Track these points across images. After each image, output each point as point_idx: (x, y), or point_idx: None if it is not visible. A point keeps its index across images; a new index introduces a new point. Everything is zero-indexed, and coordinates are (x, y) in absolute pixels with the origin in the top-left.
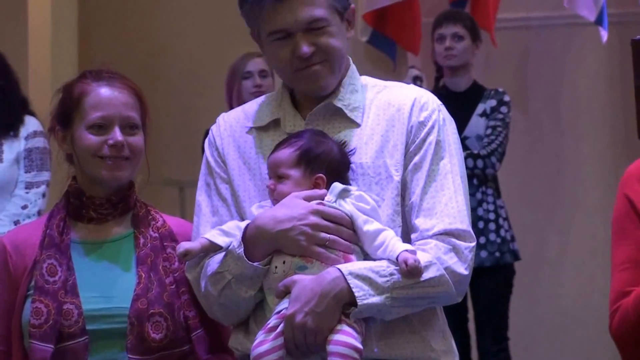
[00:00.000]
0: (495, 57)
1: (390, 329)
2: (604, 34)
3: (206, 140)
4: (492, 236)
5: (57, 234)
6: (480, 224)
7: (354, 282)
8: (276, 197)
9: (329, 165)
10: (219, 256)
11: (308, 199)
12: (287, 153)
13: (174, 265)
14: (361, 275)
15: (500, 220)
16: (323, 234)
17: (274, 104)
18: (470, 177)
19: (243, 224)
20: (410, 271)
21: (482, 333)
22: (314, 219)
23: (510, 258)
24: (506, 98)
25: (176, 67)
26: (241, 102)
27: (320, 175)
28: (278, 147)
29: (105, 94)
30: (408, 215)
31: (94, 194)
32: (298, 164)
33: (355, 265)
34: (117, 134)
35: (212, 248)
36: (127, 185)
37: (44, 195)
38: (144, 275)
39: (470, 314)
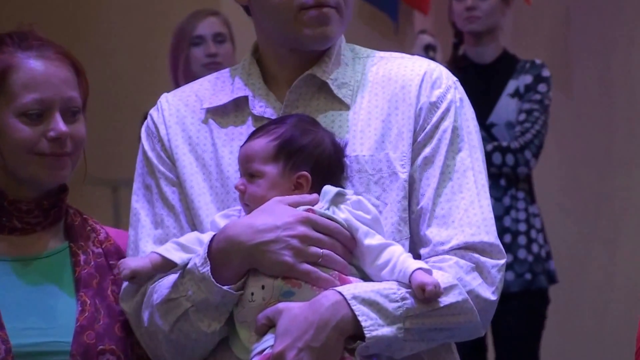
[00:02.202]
0: (530, 21)
1: None
2: None
3: (143, 130)
4: (522, 253)
5: None
6: (507, 238)
7: (359, 309)
8: (247, 202)
9: (318, 162)
10: (171, 278)
11: (294, 205)
12: (262, 143)
13: None
14: (368, 299)
15: (533, 233)
16: (315, 249)
17: (237, 80)
18: (496, 177)
19: (206, 236)
20: (429, 298)
21: None
22: (303, 230)
23: (544, 281)
24: (545, 73)
25: (103, 28)
26: (190, 76)
27: (303, 173)
28: (252, 136)
29: (39, 70)
30: (416, 223)
31: (19, 198)
32: (276, 158)
33: (359, 287)
34: (60, 124)
35: (165, 266)
36: (59, 186)
37: None
38: (88, 302)
39: (490, 354)
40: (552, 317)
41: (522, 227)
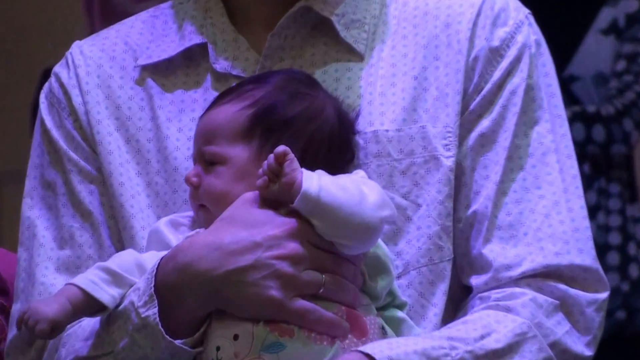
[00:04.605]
0: None
1: None
2: None
3: (43, 97)
4: (614, 279)
5: None
6: None
7: None
8: (202, 201)
9: (312, 141)
10: (88, 324)
11: (273, 204)
12: (229, 113)
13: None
14: None
15: (632, 248)
16: (313, 274)
17: (188, 19)
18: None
19: (150, 259)
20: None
21: None
22: (294, 247)
23: None
24: None
25: None
26: (112, 14)
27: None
28: (216, 102)
29: None
30: (467, 237)
31: None
32: (248, 134)
33: (397, 346)
34: None
35: (88, 308)
36: None
37: None
38: None
39: None
40: None
41: (615, 238)
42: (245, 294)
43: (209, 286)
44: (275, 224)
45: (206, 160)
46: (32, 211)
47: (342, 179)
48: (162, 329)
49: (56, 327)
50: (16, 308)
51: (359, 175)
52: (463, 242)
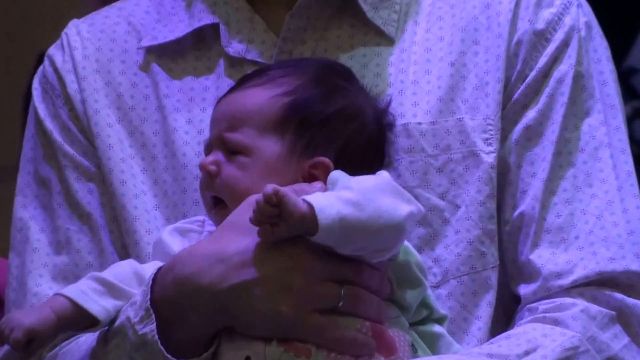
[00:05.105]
0: None
1: None
2: None
3: (36, 83)
4: None
5: None
6: None
7: None
8: (219, 192)
9: (348, 144)
10: (84, 342)
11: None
12: (261, 98)
13: None
14: None
15: None
16: (329, 286)
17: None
18: (636, 162)
19: (150, 269)
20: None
21: None
22: (305, 256)
23: None
24: None
25: None
26: None
27: (322, 159)
28: (243, 83)
29: None
30: (513, 241)
31: None
32: (282, 126)
33: None
34: None
35: (79, 322)
36: None
37: None
38: None
39: None
40: None
41: None
42: (254, 310)
43: (213, 302)
44: None
45: (229, 148)
46: (25, 211)
47: (349, 189)
48: (162, 347)
49: (32, 338)
50: None
51: (382, 176)
52: (511, 247)
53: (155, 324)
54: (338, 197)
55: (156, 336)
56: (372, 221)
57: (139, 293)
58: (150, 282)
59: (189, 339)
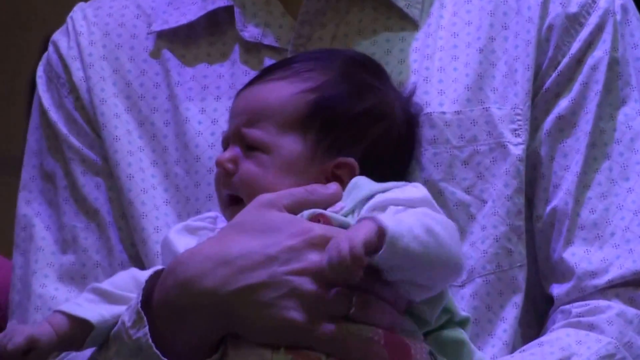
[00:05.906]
0: None
1: None
2: None
3: (41, 71)
4: None
5: None
6: None
7: None
8: (235, 190)
9: (375, 145)
10: (85, 355)
11: (296, 206)
12: (285, 92)
13: None
14: None
15: None
16: (340, 292)
17: None
18: None
19: (150, 273)
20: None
21: None
22: (315, 260)
23: None
24: None
25: None
26: None
27: (347, 160)
28: (265, 75)
29: None
30: (545, 239)
31: None
32: (306, 124)
33: None
34: None
35: (75, 334)
36: None
37: None
38: None
39: None
40: None
41: None
42: (260, 316)
43: (217, 306)
44: (292, 232)
45: (247, 144)
46: (30, 207)
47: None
48: (157, 351)
49: (33, 347)
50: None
51: (419, 189)
52: (544, 244)
53: (147, 327)
54: (409, 229)
55: (150, 340)
56: (434, 246)
57: (135, 297)
58: (144, 285)
59: (191, 344)
